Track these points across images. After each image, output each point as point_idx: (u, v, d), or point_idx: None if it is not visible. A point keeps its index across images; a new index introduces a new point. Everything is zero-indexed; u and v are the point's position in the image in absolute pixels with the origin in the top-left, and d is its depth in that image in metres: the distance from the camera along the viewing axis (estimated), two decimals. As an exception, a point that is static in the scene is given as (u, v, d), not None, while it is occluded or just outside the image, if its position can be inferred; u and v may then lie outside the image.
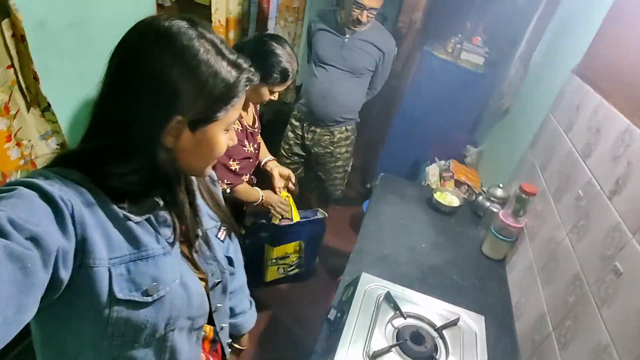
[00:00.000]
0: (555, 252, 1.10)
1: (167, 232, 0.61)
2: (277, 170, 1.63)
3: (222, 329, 0.81)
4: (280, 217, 1.62)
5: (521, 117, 1.91)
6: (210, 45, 0.55)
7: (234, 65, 0.57)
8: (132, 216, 0.56)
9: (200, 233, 0.69)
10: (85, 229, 0.50)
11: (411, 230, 1.49)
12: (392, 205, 1.62)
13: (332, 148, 2.13)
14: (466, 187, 2.04)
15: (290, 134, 2.18)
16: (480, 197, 1.64)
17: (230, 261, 0.82)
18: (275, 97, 1.38)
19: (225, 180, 1.34)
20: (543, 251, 1.17)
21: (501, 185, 1.61)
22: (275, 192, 1.61)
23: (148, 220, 0.58)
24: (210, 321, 0.76)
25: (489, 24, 2.61)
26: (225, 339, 0.85)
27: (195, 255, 0.69)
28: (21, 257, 0.40)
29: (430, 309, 1.04)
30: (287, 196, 1.64)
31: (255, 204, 1.53)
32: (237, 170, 1.36)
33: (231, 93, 0.57)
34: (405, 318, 0.98)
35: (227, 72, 0.56)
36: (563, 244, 1.07)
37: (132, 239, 0.56)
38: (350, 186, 3.16)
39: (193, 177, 0.71)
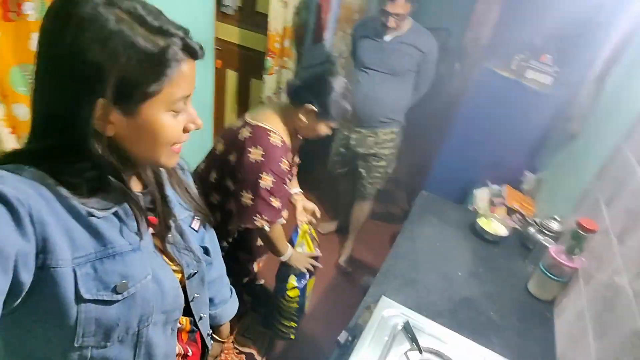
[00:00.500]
0: (613, 301, 0.94)
1: (136, 225, 0.59)
2: (301, 203, 1.60)
3: (201, 319, 0.78)
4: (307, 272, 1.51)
5: (589, 145, 1.70)
6: (124, 13, 0.47)
7: (159, 32, 0.49)
8: (95, 212, 0.52)
9: (172, 224, 0.67)
10: (45, 229, 0.47)
11: (448, 255, 1.38)
12: (430, 226, 1.52)
13: (376, 149, 2.16)
14: (519, 216, 1.86)
15: (339, 135, 2.29)
16: (532, 229, 1.48)
17: (206, 251, 0.79)
18: (330, 131, 1.38)
19: (263, 216, 1.26)
20: (598, 298, 1.02)
21: (557, 218, 1.44)
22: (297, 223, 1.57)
23: (116, 214, 0.56)
24: (188, 312, 0.74)
25: (562, 41, 2.40)
26: (206, 329, 0.82)
27: (168, 246, 0.66)
28: None
29: (455, 347, 0.94)
30: (310, 228, 1.59)
31: (281, 257, 1.42)
32: (279, 206, 1.29)
33: (158, 65, 0.49)
34: (422, 353, 0.89)
35: (149, 41, 0.48)
36: (623, 293, 0.91)
37: (97, 236, 0.53)
38: (395, 203, 3.05)
39: (161, 169, 0.68)
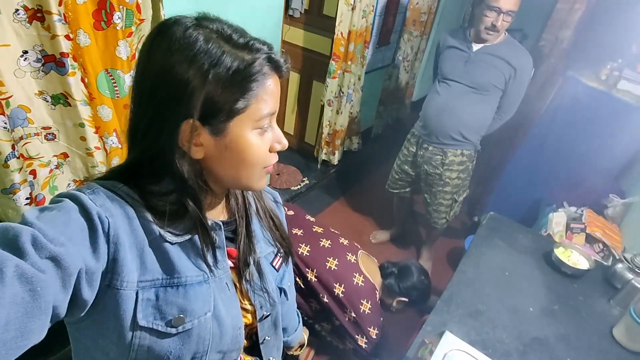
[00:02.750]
0: None
1: (217, 253, 0.57)
2: None
3: None
4: None
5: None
6: (213, 33, 0.48)
7: (245, 47, 0.48)
8: (169, 236, 0.52)
9: (252, 261, 0.64)
10: (118, 249, 0.47)
11: (518, 287, 1.26)
12: (498, 251, 1.40)
13: (441, 170, 1.96)
14: (601, 246, 1.66)
15: (404, 150, 2.13)
16: (620, 265, 1.30)
17: (283, 292, 0.75)
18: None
19: (375, 327, 1.40)
20: None
21: (654, 256, 1.26)
22: None
23: (190, 242, 0.54)
24: (258, 352, 0.71)
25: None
26: None
27: (244, 284, 0.63)
28: (32, 280, 0.37)
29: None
30: None
31: None
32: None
33: (244, 80, 0.48)
34: (490, 402, 0.81)
35: (236, 57, 0.48)
36: None
37: (167, 263, 0.52)
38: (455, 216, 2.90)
39: (252, 199, 0.66)
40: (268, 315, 0.69)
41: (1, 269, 0.36)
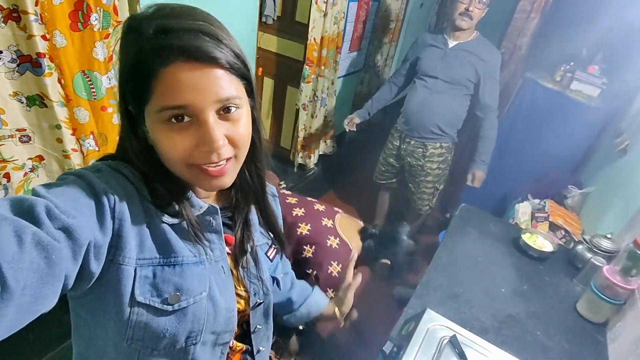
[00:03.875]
0: (677, 328, 0.89)
1: (212, 237, 0.59)
2: None
3: (259, 352, 0.75)
4: None
5: (643, 160, 1.62)
6: (143, 22, 0.47)
7: (156, 32, 0.46)
8: (166, 217, 0.54)
9: (248, 249, 0.66)
10: (122, 226, 0.49)
11: (490, 271, 1.34)
12: (470, 239, 1.48)
13: (423, 161, 2.13)
14: (563, 232, 1.79)
15: (389, 144, 2.29)
16: (581, 246, 1.41)
17: (276, 282, 0.77)
18: None
19: (333, 290, 1.24)
20: (660, 324, 0.96)
21: (609, 236, 1.37)
22: None
23: (189, 222, 0.56)
24: (249, 342, 0.73)
25: (611, 51, 2.30)
26: None
27: (240, 270, 0.65)
28: (47, 247, 0.39)
29: (503, 365, 0.91)
30: None
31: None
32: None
33: (141, 67, 0.47)
34: (470, 369, 0.87)
35: (141, 44, 0.46)
36: (690, 320, 0.85)
37: (164, 243, 0.54)
38: (429, 213, 3.00)
39: (252, 189, 0.66)
40: (260, 304, 0.71)
41: (20, 236, 0.37)
